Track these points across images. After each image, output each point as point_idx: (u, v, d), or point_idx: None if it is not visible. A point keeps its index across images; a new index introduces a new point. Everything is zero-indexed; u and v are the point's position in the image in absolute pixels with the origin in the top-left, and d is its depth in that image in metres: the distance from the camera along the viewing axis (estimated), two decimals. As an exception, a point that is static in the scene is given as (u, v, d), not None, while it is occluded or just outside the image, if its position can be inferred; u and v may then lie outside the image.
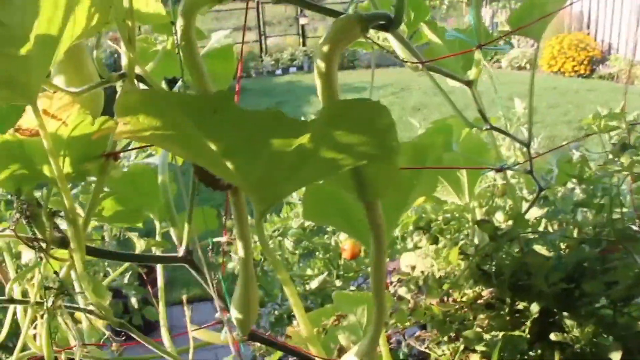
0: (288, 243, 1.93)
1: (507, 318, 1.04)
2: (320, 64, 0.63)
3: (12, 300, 0.73)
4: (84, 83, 0.68)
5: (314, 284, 1.65)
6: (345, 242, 1.75)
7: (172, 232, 0.82)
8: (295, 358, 0.93)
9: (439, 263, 1.25)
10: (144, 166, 0.92)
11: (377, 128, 0.56)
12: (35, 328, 0.78)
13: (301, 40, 14.30)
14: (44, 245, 0.68)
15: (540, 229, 1.01)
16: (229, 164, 0.58)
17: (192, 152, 0.61)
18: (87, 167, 0.70)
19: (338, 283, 1.78)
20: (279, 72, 13.26)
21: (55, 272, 0.70)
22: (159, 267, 0.88)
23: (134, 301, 2.07)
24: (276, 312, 1.64)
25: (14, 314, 0.81)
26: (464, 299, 1.05)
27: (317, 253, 1.79)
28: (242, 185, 0.64)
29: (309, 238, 1.82)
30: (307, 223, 1.82)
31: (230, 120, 0.51)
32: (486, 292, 1.03)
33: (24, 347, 0.80)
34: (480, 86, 0.98)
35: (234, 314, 0.78)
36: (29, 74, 0.56)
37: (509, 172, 1.22)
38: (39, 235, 0.68)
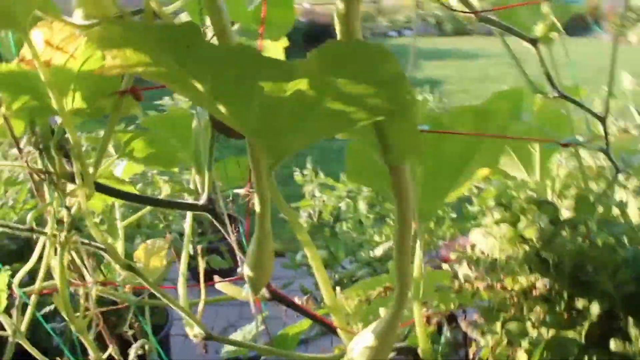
0: (362, 206, 1.87)
1: (563, 316, 0.93)
2: (339, 3, 0.56)
3: (31, 230, 0.74)
4: (101, 17, 0.64)
5: (378, 251, 1.59)
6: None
7: (197, 180, 0.79)
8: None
9: (502, 244, 1.15)
10: (184, 110, 0.89)
11: (382, 78, 0.49)
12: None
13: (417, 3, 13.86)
14: (54, 178, 0.67)
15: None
16: (222, 109, 0.53)
17: (189, 93, 0.56)
18: (102, 103, 0.67)
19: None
20: (393, 33, 13.00)
21: (67, 207, 0.69)
22: (188, 216, 0.85)
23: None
24: (336, 276, 1.60)
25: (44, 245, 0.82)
26: (516, 287, 0.95)
27: (387, 219, 1.72)
28: (246, 133, 0.59)
29: (381, 202, 1.75)
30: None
31: (207, 57, 0.46)
32: (541, 283, 0.93)
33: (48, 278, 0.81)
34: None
35: (246, 271, 0.75)
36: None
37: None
38: (50, 169, 0.66)
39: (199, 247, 0.81)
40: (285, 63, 0.46)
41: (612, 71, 0.82)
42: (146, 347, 1.27)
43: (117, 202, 1.02)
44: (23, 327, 0.84)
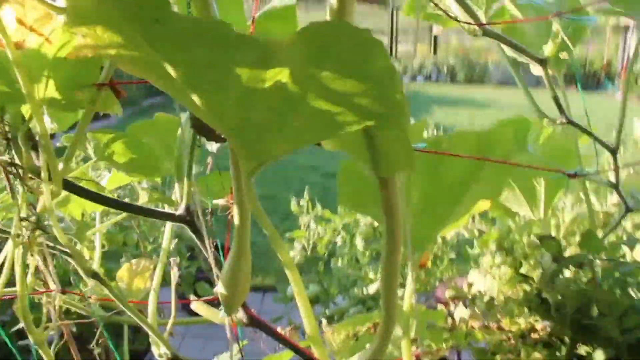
0: (359, 242, 1.81)
1: (565, 361, 0.87)
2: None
3: (-5, 229, 0.69)
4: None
5: (372, 289, 1.52)
6: (413, 249, 1.61)
7: (177, 189, 0.74)
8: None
9: (501, 284, 1.08)
10: (170, 117, 0.85)
11: (370, 72, 0.44)
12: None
13: (432, 50, 14.04)
14: (21, 172, 0.62)
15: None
16: (196, 99, 0.49)
17: (164, 82, 0.51)
18: (78, 95, 0.63)
19: (400, 292, 1.64)
20: (406, 79, 13.14)
21: (32, 204, 0.64)
22: (167, 227, 0.80)
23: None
24: (327, 312, 1.53)
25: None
26: (514, 328, 0.88)
27: (384, 257, 1.66)
28: (224, 131, 0.54)
29: (379, 238, 1.69)
30: (377, 223, 1.69)
31: (176, 34, 0.41)
32: (540, 326, 0.86)
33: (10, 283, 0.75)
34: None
35: (220, 289, 0.69)
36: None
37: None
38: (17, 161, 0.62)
39: (176, 269, 0.75)
40: (262, 45, 0.41)
41: (623, 100, 0.77)
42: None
43: (99, 213, 0.97)
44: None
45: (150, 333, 0.70)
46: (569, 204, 1.35)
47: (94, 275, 0.67)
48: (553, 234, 1.09)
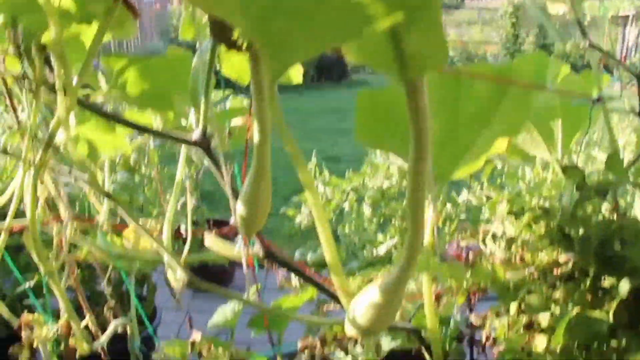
0: (366, 208, 1.79)
1: (588, 294, 0.85)
2: None
3: (5, 152, 0.66)
4: None
5: (381, 250, 1.51)
6: (423, 210, 1.59)
7: (192, 115, 0.72)
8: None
9: (517, 229, 1.07)
10: (184, 53, 0.83)
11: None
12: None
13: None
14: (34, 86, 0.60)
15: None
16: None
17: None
18: (93, 7, 0.61)
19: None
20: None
21: (45, 120, 0.62)
22: (181, 155, 0.78)
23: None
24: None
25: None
26: (537, 262, 0.87)
27: (392, 220, 1.64)
28: (246, 31, 0.52)
29: (387, 203, 1.67)
30: (385, 185, 1.67)
31: None
32: (564, 258, 0.84)
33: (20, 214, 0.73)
34: None
35: (239, 210, 0.67)
36: None
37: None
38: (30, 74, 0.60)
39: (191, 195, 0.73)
40: None
41: None
42: (128, 328, 1.18)
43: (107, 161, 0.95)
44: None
45: (166, 255, 0.68)
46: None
47: (108, 195, 0.65)
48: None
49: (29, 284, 0.93)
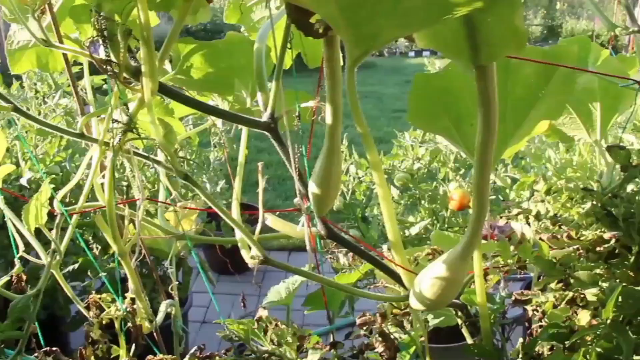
0: (394, 191, 1.82)
1: (632, 271, 0.88)
2: None
3: (82, 136, 0.70)
4: None
5: (414, 230, 1.54)
6: (454, 191, 1.62)
7: (259, 97, 0.75)
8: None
9: (555, 208, 1.10)
10: (242, 36, 0.86)
11: None
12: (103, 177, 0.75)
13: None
14: (117, 70, 0.63)
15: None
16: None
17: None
18: (172, -7, 0.64)
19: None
20: (411, 53, 13.05)
21: (125, 104, 0.65)
22: (243, 133, 0.81)
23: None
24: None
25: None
26: (581, 239, 0.90)
27: (422, 201, 1.67)
28: (334, 14, 0.55)
29: (416, 184, 1.70)
30: (416, 166, 1.70)
31: None
32: (609, 235, 0.88)
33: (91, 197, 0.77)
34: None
35: (312, 188, 0.70)
36: None
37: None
38: (114, 59, 0.63)
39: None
40: None
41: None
42: (173, 309, 1.23)
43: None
44: (62, 247, 0.80)
45: (242, 235, 0.72)
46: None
47: (186, 177, 0.68)
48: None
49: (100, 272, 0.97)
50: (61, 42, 0.66)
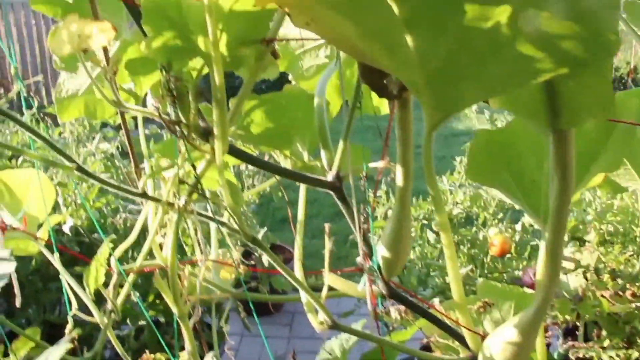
0: (430, 235, 1.80)
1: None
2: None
3: (144, 195, 0.69)
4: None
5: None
6: (495, 237, 1.59)
7: (323, 155, 0.75)
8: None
9: (608, 260, 1.08)
10: (299, 89, 0.86)
11: (588, 6, 0.44)
12: (163, 236, 0.74)
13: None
14: (185, 131, 0.63)
15: None
16: (409, 40, 0.49)
17: (367, 27, 0.51)
18: (244, 52, 0.64)
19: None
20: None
21: (192, 165, 0.65)
22: (302, 190, 0.80)
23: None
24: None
25: (145, 219, 0.77)
26: (646, 297, 0.88)
27: (461, 246, 1.64)
28: (417, 79, 0.54)
29: (456, 229, 1.68)
30: (455, 211, 1.68)
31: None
32: (676, 293, 0.85)
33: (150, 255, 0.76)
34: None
35: (381, 251, 0.69)
36: None
37: None
38: (183, 119, 0.62)
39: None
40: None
41: None
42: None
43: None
44: (118, 301, 0.79)
45: (310, 300, 0.71)
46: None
47: (254, 240, 0.67)
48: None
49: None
50: (118, 97, 0.66)
